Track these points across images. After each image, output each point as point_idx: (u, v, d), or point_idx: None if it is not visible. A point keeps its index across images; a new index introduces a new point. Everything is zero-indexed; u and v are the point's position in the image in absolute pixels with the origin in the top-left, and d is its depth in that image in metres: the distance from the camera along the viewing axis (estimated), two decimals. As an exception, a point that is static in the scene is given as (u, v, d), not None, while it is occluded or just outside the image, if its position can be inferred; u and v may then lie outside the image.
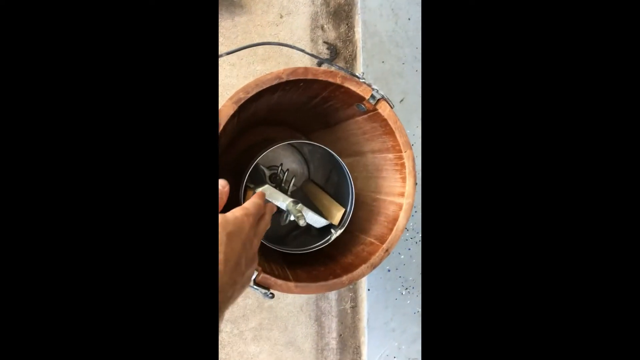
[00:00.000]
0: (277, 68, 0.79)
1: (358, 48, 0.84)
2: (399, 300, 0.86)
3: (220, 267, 0.29)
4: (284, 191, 0.60)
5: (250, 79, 0.79)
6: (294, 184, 0.63)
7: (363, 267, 0.48)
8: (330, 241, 0.54)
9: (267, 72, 0.79)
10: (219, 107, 0.42)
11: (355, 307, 0.86)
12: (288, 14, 0.80)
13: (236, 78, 0.77)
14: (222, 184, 0.37)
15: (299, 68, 0.44)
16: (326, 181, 0.71)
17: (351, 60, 0.84)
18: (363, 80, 0.47)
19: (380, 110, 0.48)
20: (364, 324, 0.85)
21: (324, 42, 0.83)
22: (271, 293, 0.44)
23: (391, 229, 0.50)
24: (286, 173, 0.65)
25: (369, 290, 0.84)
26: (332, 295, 0.85)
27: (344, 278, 0.47)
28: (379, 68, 0.83)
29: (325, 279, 0.47)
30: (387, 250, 0.49)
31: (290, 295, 0.82)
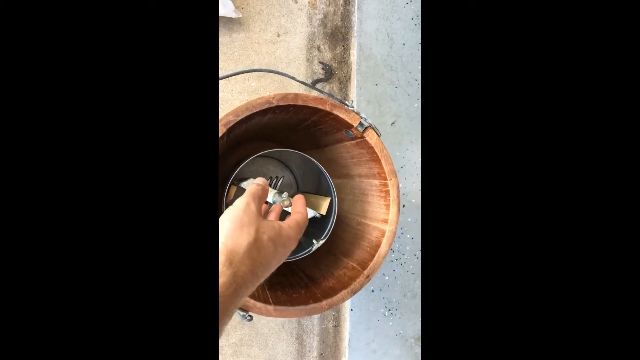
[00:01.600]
0: (272, 85, 0.80)
1: (353, 70, 0.85)
2: (381, 321, 0.86)
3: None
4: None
5: (244, 95, 0.80)
6: (281, 190, 0.64)
7: (344, 292, 0.48)
8: (312, 251, 0.54)
9: (262, 88, 0.81)
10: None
11: (337, 326, 0.86)
12: (285, 33, 0.81)
13: (230, 93, 0.78)
14: (263, 182, 0.40)
15: (289, 94, 0.45)
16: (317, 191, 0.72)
17: (345, 81, 0.85)
18: (352, 108, 0.48)
19: (367, 138, 0.49)
20: (345, 343, 0.85)
21: (320, 62, 0.84)
22: (249, 315, 0.44)
23: (373, 255, 0.50)
24: (282, 180, 0.66)
25: (352, 310, 0.84)
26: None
27: (324, 303, 0.47)
28: (373, 90, 0.85)
29: (305, 302, 0.47)
30: (368, 277, 0.49)
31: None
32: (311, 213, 0.55)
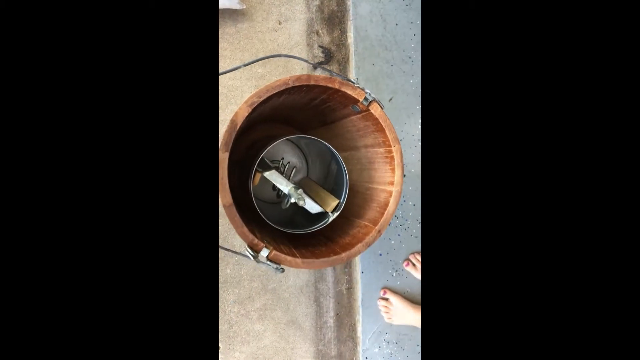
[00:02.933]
0: (277, 71, 0.86)
1: (350, 51, 0.91)
2: (390, 281, 0.95)
3: None
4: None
5: (252, 81, 0.86)
6: (293, 180, 0.71)
7: (359, 245, 0.56)
8: (327, 222, 0.62)
9: (267, 74, 0.87)
10: (237, 109, 0.49)
11: (350, 288, 0.94)
12: (286, 20, 0.87)
13: (240, 80, 0.84)
14: None
15: (303, 75, 0.51)
16: (327, 173, 0.79)
17: (344, 62, 0.92)
18: (357, 85, 0.54)
19: (372, 111, 0.55)
20: (358, 303, 0.93)
21: (319, 46, 0.90)
22: (281, 268, 0.52)
23: (382, 213, 0.57)
24: (287, 165, 0.72)
25: (362, 272, 0.93)
26: (330, 277, 0.93)
27: (343, 255, 0.55)
28: (370, 70, 0.91)
29: (327, 256, 0.54)
30: (379, 231, 0.56)
31: (292, 278, 0.89)
32: (317, 208, 0.61)
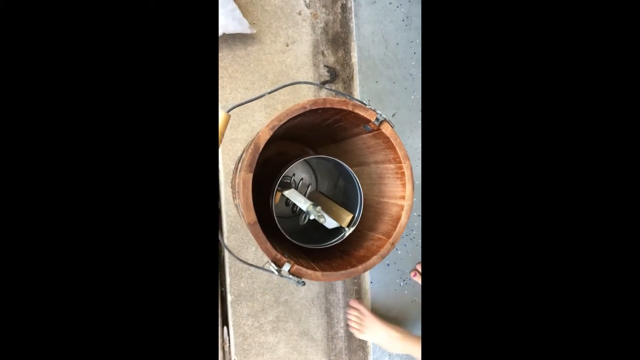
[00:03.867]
0: (284, 90, 0.90)
1: (355, 70, 0.95)
2: (398, 290, 0.97)
3: None
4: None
5: (262, 100, 0.90)
6: (305, 193, 0.74)
7: (374, 257, 0.59)
8: (344, 237, 0.65)
9: (276, 94, 0.90)
10: (259, 133, 0.53)
11: (359, 299, 0.97)
12: (293, 42, 0.91)
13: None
14: None
15: (319, 99, 0.55)
16: (334, 188, 0.82)
17: (349, 81, 0.96)
18: (369, 106, 0.58)
19: (383, 130, 0.59)
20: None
21: (325, 66, 0.94)
22: (302, 281, 0.54)
23: (395, 226, 0.61)
24: (300, 182, 0.76)
25: (371, 282, 0.95)
26: (340, 289, 0.95)
27: (360, 267, 0.58)
28: (373, 87, 0.95)
29: (344, 268, 0.57)
30: (393, 244, 0.60)
31: (303, 290, 0.92)
32: (334, 223, 0.64)
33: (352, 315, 0.91)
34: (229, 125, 0.88)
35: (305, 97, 0.92)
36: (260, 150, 0.53)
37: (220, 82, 0.86)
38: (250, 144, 0.63)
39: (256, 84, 0.88)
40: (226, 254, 0.87)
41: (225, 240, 0.86)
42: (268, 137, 0.53)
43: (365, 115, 0.58)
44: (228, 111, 0.49)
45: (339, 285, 0.95)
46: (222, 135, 0.48)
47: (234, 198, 0.88)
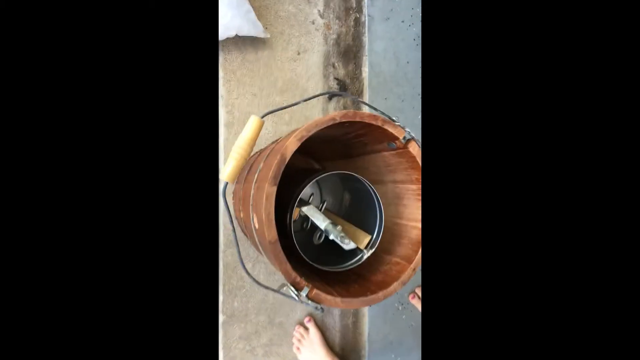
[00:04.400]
0: (294, 99, 0.86)
1: (365, 85, 0.93)
2: (395, 315, 0.94)
3: None
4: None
5: (270, 108, 0.85)
6: (321, 209, 0.69)
7: (395, 284, 0.55)
8: (362, 260, 0.61)
9: (284, 103, 0.86)
10: (286, 143, 0.48)
11: (356, 322, 0.92)
12: (304, 51, 0.88)
13: (257, 107, 0.83)
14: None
15: (349, 111, 0.52)
16: (339, 205, 0.78)
17: (358, 95, 0.93)
18: (398, 123, 0.55)
19: (410, 149, 0.56)
20: (365, 337, 0.91)
21: (335, 78, 0.91)
22: (321, 307, 0.50)
23: (416, 251, 0.57)
24: (311, 197, 0.71)
25: (369, 306, 0.91)
26: (336, 310, 0.90)
27: (380, 294, 0.54)
28: (382, 104, 0.93)
29: (363, 294, 0.53)
30: (414, 269, 0.56)
31: (299, 312, 0.86)
32: (350, 246, 0.60)
33: (298, 332, 0.86)
34: (234, 133, 0.83)
35: (313, 108, 0.88)
36: (287, 161, 0.48)
37: (227, 85, 0.81)
38: (268, 154, 0.58)
39: (265, 90, 0.84)
40: (220, 268, 0.80)
41: (221, 254, 0.80)
42: (295, 148, 0.49)
43: (394, 132, 0.55)
44: (262, 117, 0.44)
45: (336, 309, 0.90)
46: (254, 141, 0.44)
47: (236, 210, 0.82)
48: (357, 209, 0.69)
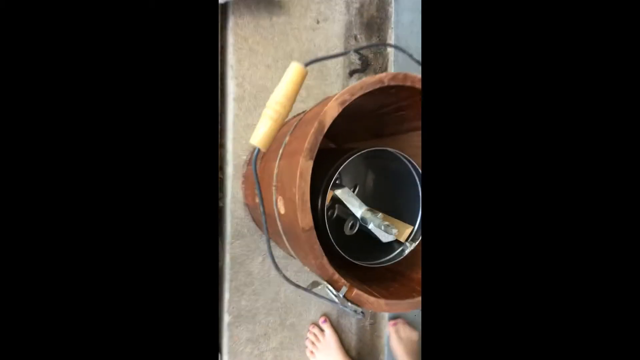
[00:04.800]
0: (311, 74, 0.77)
1: (389, 61, 0.84)
2: (418, 316, 0.85)
3: None
4: None
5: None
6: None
7: (444, 283, 0.46)
8: (404, 255, 0.52)
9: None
10: (325, 108, 0.39)
11: (374, 324, 0.84)
12: (324, 20, 0.78)
13: (271, 80, 0.74)
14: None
15: (399, 74, 0.42)
16: (363, 190, 0.69)
17: (381, 72, 0.84)
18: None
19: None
20: (383, 341, 0.83)
21: (356, 52, 0.82)
22: (362, 311, 0.41)
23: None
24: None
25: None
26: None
27: (428, 295, 0.45)
28: (408, 83, 0.84)
29: (409, 296, 0.44)
30: (466, 266, 0.47)
31: (313, 311, 0.77)
32: (389, 237, 0.51)
33: (312, 334, 0.77)
34: (245, 109, 0.73)
35: (333, 84, 0.79)
36: (325, 130, 0.39)
37: (237, 54, 0.71)
38: (294, 127, 0.49)
39: (280, 62, 0.74)
40: (227, 262, 0.70)
41: (228, 247, 0.70)
42: (336, 113, 0.39)
43: (447, 103, 0.46)
44: (306, 65, 0.35)
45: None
46: (295, 97, 0.34)
47: (246, 196, 0.72)
48: (388, 196, 0.60)
